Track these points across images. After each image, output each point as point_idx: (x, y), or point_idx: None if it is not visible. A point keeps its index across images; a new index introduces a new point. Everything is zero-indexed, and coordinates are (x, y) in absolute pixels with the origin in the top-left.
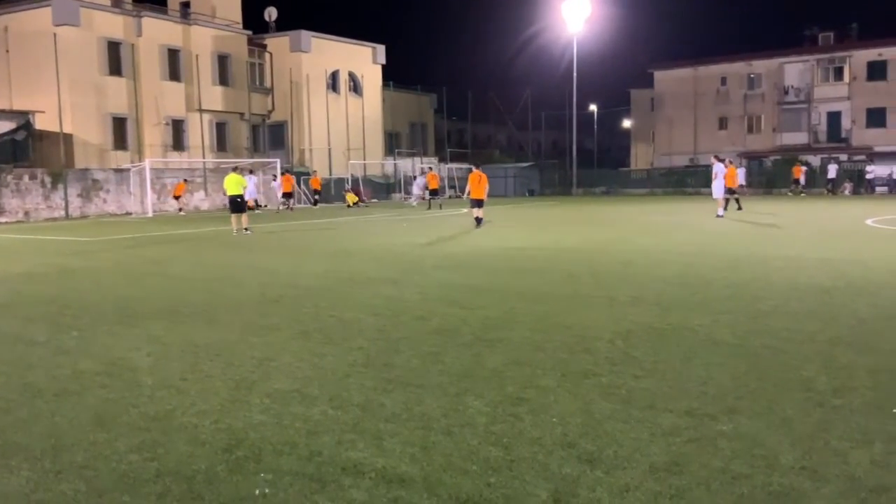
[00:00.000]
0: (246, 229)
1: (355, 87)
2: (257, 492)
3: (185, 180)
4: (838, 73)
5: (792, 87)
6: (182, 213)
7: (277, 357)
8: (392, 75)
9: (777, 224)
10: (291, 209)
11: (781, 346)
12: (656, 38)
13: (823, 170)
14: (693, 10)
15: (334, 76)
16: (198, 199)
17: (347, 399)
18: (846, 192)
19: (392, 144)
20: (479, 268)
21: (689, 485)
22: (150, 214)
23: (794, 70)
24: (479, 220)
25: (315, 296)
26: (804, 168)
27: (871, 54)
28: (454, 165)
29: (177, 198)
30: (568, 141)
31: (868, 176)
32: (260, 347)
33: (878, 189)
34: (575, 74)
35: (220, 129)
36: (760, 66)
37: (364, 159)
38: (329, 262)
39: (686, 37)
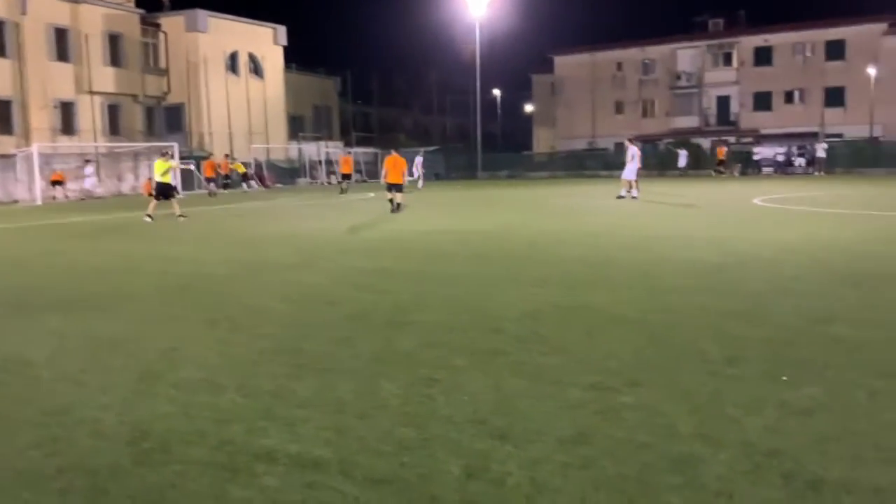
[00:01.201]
0: (180, 216)
1: (256, 69)
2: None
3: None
4: (727, 59)
5: (684, 72)
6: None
7: (183, 347)
8: (295, 57)
9: (671, 204)
10: (213, 194)
11: (678, 321)
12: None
13: (713, 152)
14: None
15: (233, 57)
16: (89, 185)
17: (257, 386)
18: (735, 172)
19: (296, 128)
20: (389, 252)
21: (596, 455)
22: (40, 202)
23: (686, 56)
24: (397, 205)
25: (221, 283)
26: (726, 149)
27: (758, 40)
28: (360, 149)
29: (57, 183)
30: (473, 125)
31: (755, 157)
32: (164, 337)
33: (764, 170)
34: (478, 59)
35: (113, 111)
36: (654, 52)
37: (267, 143)
38: (236, 249)
39: (584, 22)
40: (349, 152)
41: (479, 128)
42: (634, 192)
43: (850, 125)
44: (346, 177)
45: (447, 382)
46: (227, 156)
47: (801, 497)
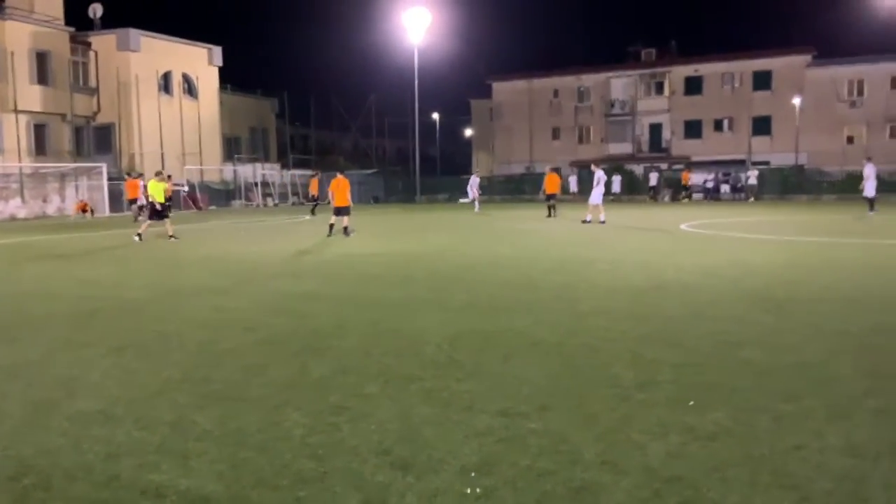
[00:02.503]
0: (171, 236)
1: (190, 90)
2: None
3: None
4: (659, 88)
5: (618, 100)
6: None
7: (84, 376)
8: (230, 78)
9: (601, 228)
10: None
11: (596, 345)
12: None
13: (646, 178)
14: (527, 26)
15: (166, 77)
16: (13, 207)
17: (156, 418)
18: (665, 198)
19: (231, 149)
20: (316, 275)
21: (496, 484)
22: None
23: (620, 84)
24: (344, 228)
25: (137, 308)
26: (691, 175)
27: (689, 70)
28: (297, 172)
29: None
30: (411, 148)
31: (690, 184)
32: (66, 366)
33: (694, 196)
34: (416, 83)
35: (39, 130)
36: (589, 79)
37: (201, 164)
38: (158, 273)
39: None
40: (315, 174)
41: (418, 151)
42: (602, 217)
43: (777, 153)
44: (315, 199)
45: (356, 411)
46: (168, 176)
47: None
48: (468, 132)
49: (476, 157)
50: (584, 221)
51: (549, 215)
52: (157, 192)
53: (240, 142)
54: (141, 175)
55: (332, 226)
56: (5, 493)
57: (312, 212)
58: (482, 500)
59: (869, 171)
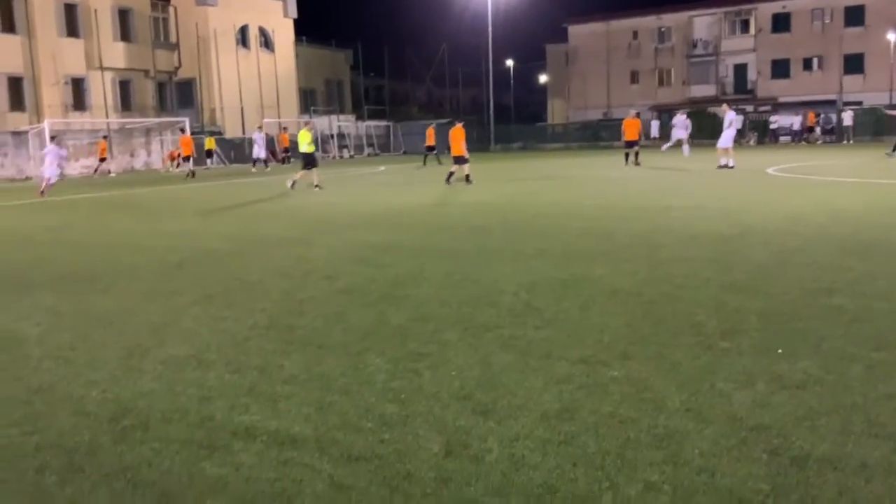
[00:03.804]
0: (317, 185)
1: (266, 43)
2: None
3: (105, 137)
4: (744, 26)
5: (700, 40)
6: (111, 174)
7: (175, 323)
8: (305, 30)
9: (682, 175)
10: (190, 174)
11: (677, 293)
12: None
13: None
14: None
15: (244, 31)
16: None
17: (245, 363)
18: (751, 142)
19: (308, 102)
20: (391, 225)
21: (577, 430)
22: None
23: (703, 23)
24: (465, 177)
25: (220, 259)
26: (818, 116)
27: (776, 6)
28: (372, 123)
29: (102, 160)
30: (486, 97)
31: (772, 126)
32: (157, 314)
33: (781, 139)
34: (490, 30)
35: (124, 87)
36: (670, 19)
37: (279, 117)
38: (239, 224)
39: None
40: (432, 125)
41: (492, 100)
42: (730, 161)
43: (870, 92)
44: (431, 149)
45: (435, 357)
46: (284, 129)
47: (784, 473)
48: (543, 79)
49: (550, 104)
50: (721, 166)
51: (628, 163)
52: (307, 139)
53: (315, 94)
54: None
55: (451, 173)
56: (106, 434)
57: (424, 162)
58: (564, 446)
59: None
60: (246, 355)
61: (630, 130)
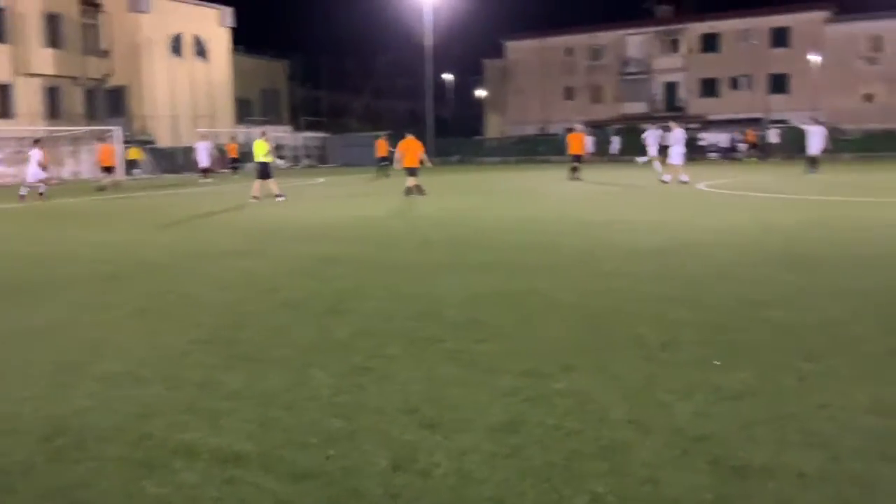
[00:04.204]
0: (278, 195)
1: (201, 51)
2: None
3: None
4: (675, 46)
5: (633, 58)
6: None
7: (110, 337)
8: (242, 39)
9: (619, 190)
10: (111, 185)
11: (618, 306)
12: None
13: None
14: None
15: (178, 39)
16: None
17: (184, 378)
18: None
19: (243, 112)
20: (335, 238)
21: (524, 443)
22: None
23: (635, 42)
24: (417, 188)
25: (157, 271)
26: (757, 133)
27: (705, 27)
28: (309, 134)
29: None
30: (424, 109)
31: (701, 143)
32: (92, 328)
33: (710, 155)
34: (429, 43)
35: (52, 94)
36: (604, 37)
37: (213, 127)
38: (176, 235)
39: (535, 8)
40: (381, 136)
41: (431, 112)
42: (684, 177)
43: (794, 111)
44: (383, 160)
45: (380, 371)
46: (232, 138)
47: (726, 483)
48: (480, 93)
49: (488, 118)
50: (665, 182)
51: (573, 177)
52: (261, 150)
53: (251, 104)
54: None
55: (408, 187)
56: (40, 453)
57: (380, 173)
58: (511, 459)
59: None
60: (185, 371)
61: (574, 144)
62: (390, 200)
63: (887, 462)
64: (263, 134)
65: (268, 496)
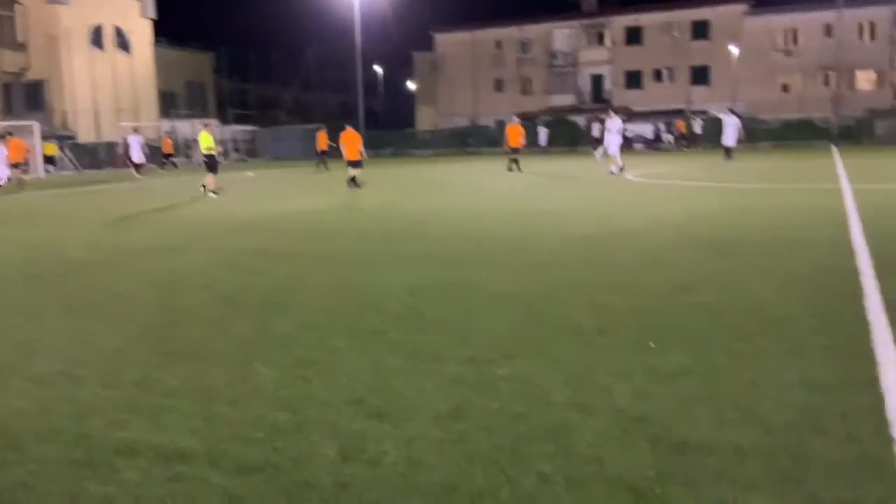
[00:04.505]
0: (213, 192)
1: (122, 44)
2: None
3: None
4: (600, 38)
5: (560, 51)
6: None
7: (40, 338)
8: (165, 31)
9: (551, 180)
10: (19, 181)
11: (554, 293)
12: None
13: (588, 129)
14: None
15: (98, 31)
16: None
17: (120, 377)
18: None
19: (168, 105)
20: (268, 232)
21: (471, 428)
22: None
23: (562, 35)
24: (353, 179)
25: (85, 269)
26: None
27: (629, 20)
28: (238, 127)
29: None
30: (355, 102)
31: (627, 134)
32: (20, 329)
33: (635, 146)
34: (358, 35)
35: None
36: (531, 30)
37: (137, 121)
38: (104, 233)
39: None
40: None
41: (362, 105)
42: (615, 168)
43: (715, 102)
44: (323, 153)
45: (325, 364)
46: (167, 132)
47: (666, 459)
48: (411, 85)
49: (419, 110)
50: (612, 173)
51: (511, 169)
52: (208, 142)
53: (176, 97)
54: (9, 134)
55: (352, 178)
56: None
57: (320, 166)
58: (459, 444)
59: (729, 121)
60: (120, 369)
61: (513, 136)
62: (324, 194)
63: (817, 434)
64: (206, 125)
65: (216, 491)
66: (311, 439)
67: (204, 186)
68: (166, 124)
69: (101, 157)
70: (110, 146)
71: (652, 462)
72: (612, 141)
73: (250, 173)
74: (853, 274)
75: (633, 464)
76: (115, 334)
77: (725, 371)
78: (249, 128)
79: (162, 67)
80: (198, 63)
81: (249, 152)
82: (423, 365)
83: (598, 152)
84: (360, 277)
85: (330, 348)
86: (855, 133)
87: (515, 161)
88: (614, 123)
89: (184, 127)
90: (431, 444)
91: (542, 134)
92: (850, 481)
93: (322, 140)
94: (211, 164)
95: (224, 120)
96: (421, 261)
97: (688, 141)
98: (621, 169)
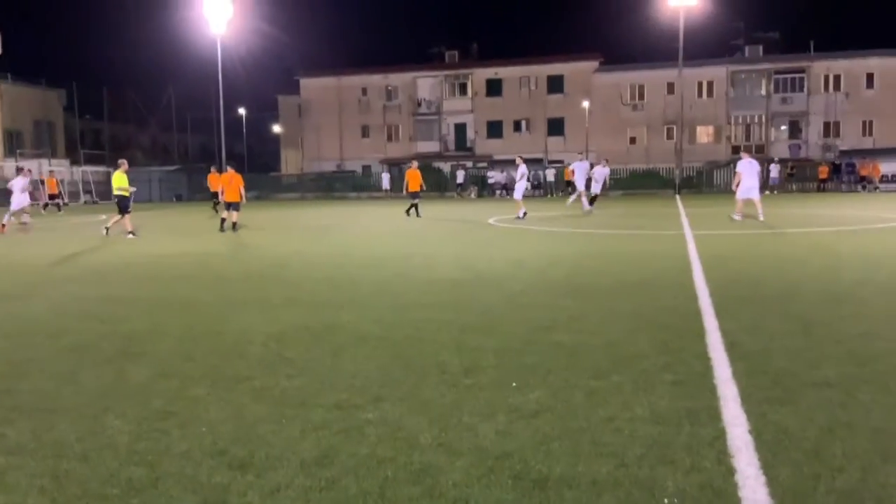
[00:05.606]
0: (130, 232)
1: None
2: None
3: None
4: (463, 89)
5: (424, 99)
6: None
7: None
8: (11, 67)
9: (415, 224)
10: None
11: (421, 335)
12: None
13: (453, 175)
14: (333, 23)
15: None
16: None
17: None
18: (472, 195)
19: (13, 144)
20: (122, 278)
21: (338, 475)
22: None
23: (426, 84)
24: (233, 225)
25: None
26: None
27: (489, 73)
28: (89, 168)
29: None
30: (216, 145)
31: (490, 181)
32: None
33: (497, 192)
34: (220, 76)
35: None
36: (396, 79)
37: None
38: None
39: (329, 47)
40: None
41: (223, 147)
42: (520, 213)
43: (570, 152)
44: (216, 195)
45: (184, 414)
46: (51, 172)
47: (528, 496)
48: (276, 129)
49: (284, 154)
50: (519, 217)
51: (409, 214)
52: (121, 182)
53: (23, 136)
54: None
55: (223, 220)
56: None
57: (215, 208)
58: (326, 492)
59: (598, 173)
60: None
61: (413, 181)
62: (186, 237)
63: (666, 465)
64: (120, 165)
65: None
66: (170, 495)
67: (107, 229)
68: (10, 164)
69: None
70: None
71: (514, 499)
72: (519, 186)
73: (104, 216)
74: (696, 314)
75: (497, 501)
76: None
77: (582, 407)
78: (102, 169)
79: (7, 104)
80: (47, 100)
81: (102, 195)
82: (289, 411)
83: (571, 198)
84: (222, 323)
85: (190, 398)
86: (696, 182)
87: (415, 206)
88: (520, 169)
89: (31, 166)
90: (297, 493)
91: (460, 175)
92: None
93: (213, 182)
94: (123, 204)
95: (75, 160)
96: (286, 304)
97: (534, 188)
98: (525, 214)
